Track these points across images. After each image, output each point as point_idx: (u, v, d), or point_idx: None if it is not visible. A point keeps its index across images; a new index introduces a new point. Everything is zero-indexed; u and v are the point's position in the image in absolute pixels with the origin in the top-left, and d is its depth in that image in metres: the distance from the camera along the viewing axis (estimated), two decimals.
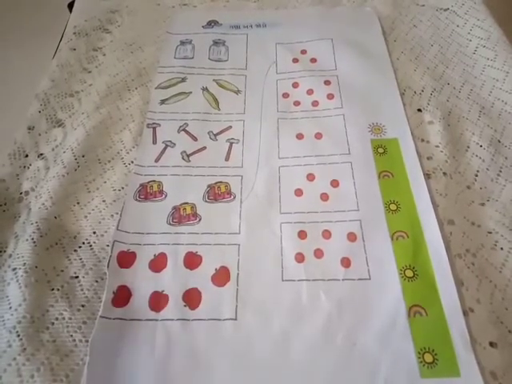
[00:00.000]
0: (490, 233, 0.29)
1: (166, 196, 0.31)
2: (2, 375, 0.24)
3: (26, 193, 0.32)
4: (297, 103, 0.37)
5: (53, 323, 0.26)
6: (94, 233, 0.30)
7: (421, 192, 0.30)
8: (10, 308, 0.26)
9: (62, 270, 0.28)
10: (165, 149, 0.34)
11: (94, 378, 0.24)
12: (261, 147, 0.34)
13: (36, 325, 0.26)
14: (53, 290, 0.27)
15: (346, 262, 0.28)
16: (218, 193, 0.31)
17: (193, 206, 0.30)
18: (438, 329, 0.25)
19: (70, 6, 0.48)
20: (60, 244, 0.29)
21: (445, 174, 0.32)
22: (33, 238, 0.28)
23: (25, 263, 0.28)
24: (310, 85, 0.38)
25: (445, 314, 0.25)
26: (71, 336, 0.25)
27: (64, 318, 0.26)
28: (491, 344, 0.25)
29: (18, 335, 0.25)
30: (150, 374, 0.24)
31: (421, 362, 0.24)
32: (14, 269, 0.27)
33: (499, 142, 0.34)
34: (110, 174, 0.33)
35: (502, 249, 0.28)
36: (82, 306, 0.27)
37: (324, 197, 0.31)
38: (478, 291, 0.27)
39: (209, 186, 0.31)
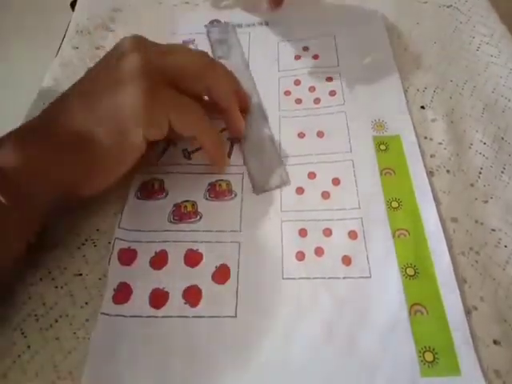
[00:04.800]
0: (494, 230, 0.29)
1: (166, 194, 0.31)
2: (6, 373, 0.24)
3: None
4: (298, 101, 0.37)
5: (56, 320, 0.26)
6: (98, 230, 0.30)
7: (423, 189, 0.30)
8: (15, 307, 0.26)
9: (66, 268, 0.28)
10: (166, 146, 0.34)
11: (95, 375, 0.24)
12: None
13: (40, 323, 0.26)
14: (56, 287, 0.27)
15: (346, 260, 0.28)
16: (219, 191, 0.31)
17: (194, 204, 0.31)
18: (438, 327, 0.25)
19: (73, 5, 0.48)
20: (64, 242, 0.29)
21: (448, 171, 0.32)
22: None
23: (28, 262, 0.28)
24: (311, 82, 0.38)
25: (446, 312, 0.25)
26: (74, 333, 0.26)
27: (68, 316, 0.26)
28: (495, 342, 0.25)
29: (23, 333, 0.25)
30: (150, 370, 0.24)
31: (421, 360, 0.24)
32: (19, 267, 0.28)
33: (503, 139, 0.34)
34: None
35: (505, 246, 0.28)
36: (86, 303, 0.27)
37: (325, 195, 0.31)
38: (482, 289, 0.27)
39: (210, 183, 0.32)
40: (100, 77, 0.28)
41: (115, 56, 0.28)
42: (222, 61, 0.40)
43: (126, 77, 0.26)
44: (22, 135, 0.26)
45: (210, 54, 0.40)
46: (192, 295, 0.27)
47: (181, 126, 0.28)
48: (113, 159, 0.27)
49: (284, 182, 0.32)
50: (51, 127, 0.26)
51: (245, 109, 0.35)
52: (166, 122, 0.27)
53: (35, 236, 0.26)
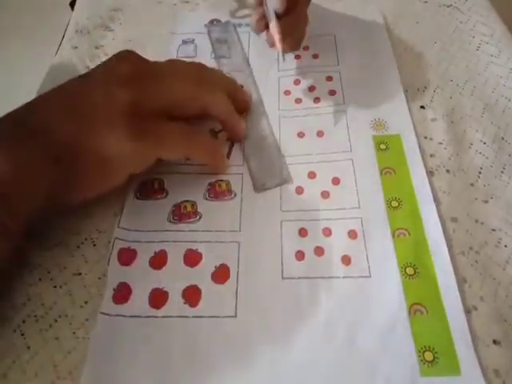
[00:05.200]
0: (494, 230, 0.29)
1: (166, 194, 0.31)
2: (6, 373, 0.24)
3: None
4: (298, 100, 0.37)
5: (56, 320, 0.26)
6: (97, 229, 0.30)
7: (423, 189, 0.30)
8: (14, 308, 0.26)
9: (65, 267, 0.28)
10: None
11: (95, 375, 0.24)
12: None
13: (40, 323, 0.26)
14: (55, 287, 0.27)
15: (346, 260, 0.28)
16: (218, 191, 0.31)
17: (193, 204, 0.30)
18: (438, 327, 0.25)
19: (72, 4, 0.48)
20: (63, 241, 0.29)
21: (448, 171, 0.32)
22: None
23: (27, 262, 0.28)
24: (311, 81, 0.38)
25: (446, 312, 0.25)
26: (74, 333, 0.26)
27: (67, 316, 0.26)
28: (495, 342, 0.25)
29: (22, 334, 0.25)
30: (150, 370, 0.24)
31: (421, 360, 0.24)
32: (19, 268, 0.28)
33: (503, 139, 0.34)
34: None
35: (505, 246, 0.28)
36: (85, 302, 0.27)
37: (325, 194, 0.31)
38: (482, 289, 0.27)
39: (209, 183, 0.31)
40: (92, 102, 0.27)
41: (110, 78, 0.28)
42: (223, 60, 0.40)
43: (117, 119, 0.26)
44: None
45: (210, 53, 0.41)
46: (192, 295, 0.27)
47: (171, 156, 0.30)
48: (97, 181, 0.27)
49: (285, 180, 0.31)
50: (33, 133, 0.25)
51: (245, 109, 0.35)
52: (152, 159, 0.28)
53: (23, 238, 0.26)
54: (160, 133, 0.28)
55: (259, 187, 0.31)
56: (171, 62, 0.31)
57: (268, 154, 0.33)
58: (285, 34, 0.33)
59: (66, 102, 0.27)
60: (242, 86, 0.37)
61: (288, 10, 0.33)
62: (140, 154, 0.27)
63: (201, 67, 0.32)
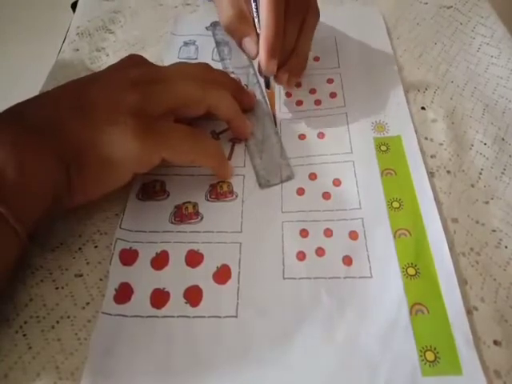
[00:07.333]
0: (495, 231, 0.29)
1: (168, 195, 0.31)
2: (7, 373, 0.24)
3: None
4: (299, 103, 0.37)
5: (58, 322, 0.26)
6: (98, 230, 0.30)
7: (424, 190, 0.30)
8: (16, 309, 0.26)
9: (67, 269, 0.28)
10: None
11: (95, 375, 0.24)
12: None
13: (41, 324, 0.26)
14: (57, 288, 0.27)
15: (347, 260, 0.28)
16: (219, 192, 0.31)
17: (195, 205, 0.31)
18: (440, 327, 0.25)
19: (74, 6, 0.48)
20: (65, 243, 0.29)
21: (448, 172, 0.32)
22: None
23: (29, 264, 0.28)
24: (312, 84, 0.38)
25: (447, 312, 0.25)
26: (76, 334, 0.26)
27: (69, 317, 0.26)
28: (495, 342, 0.25)
29: (24, 335, 0.25)
30: (151, 370, 0.24)
31: (422, 360, 0.24)
32: (21, 269, 0.28)
33: (503, 139, 0.34)
34: None
35: (506, 247, 0.28)
36: (87, 303, 0.27)
37: (326, 195, 0.31)
38: (482, 290, 0.27)
39: (211, 185, 0.32)
40: (99, 102, 0.27)
41: (118, 80, 0.28)
42: (227, 61, 0.40)
43: (123, 117, 0.26)
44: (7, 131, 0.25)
45: (211, 54, 0.41)
46: (193, 295, 0.27)
47: (175, 160, 0.29)
48: (100, 180, 0.27)
49: (289, 177, 0.32)
50: (39, 130, 0.25)
51: (249, 108, 0.35)
52: (157, 159, 0.28)
53: (28, 241, 0.26)
54: (165, 132, 0.28)
55: (264, 183, 0.31)
56: (177, 64, 0.32)
57: (272, 151, 0.33)
58: (282, 83, 0.35)
59: (73, 101, 0.27)
60: (247, 86, 0.37)
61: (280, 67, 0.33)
62: (145, 152, 0.27)
63: (206, 68, 0.32)
